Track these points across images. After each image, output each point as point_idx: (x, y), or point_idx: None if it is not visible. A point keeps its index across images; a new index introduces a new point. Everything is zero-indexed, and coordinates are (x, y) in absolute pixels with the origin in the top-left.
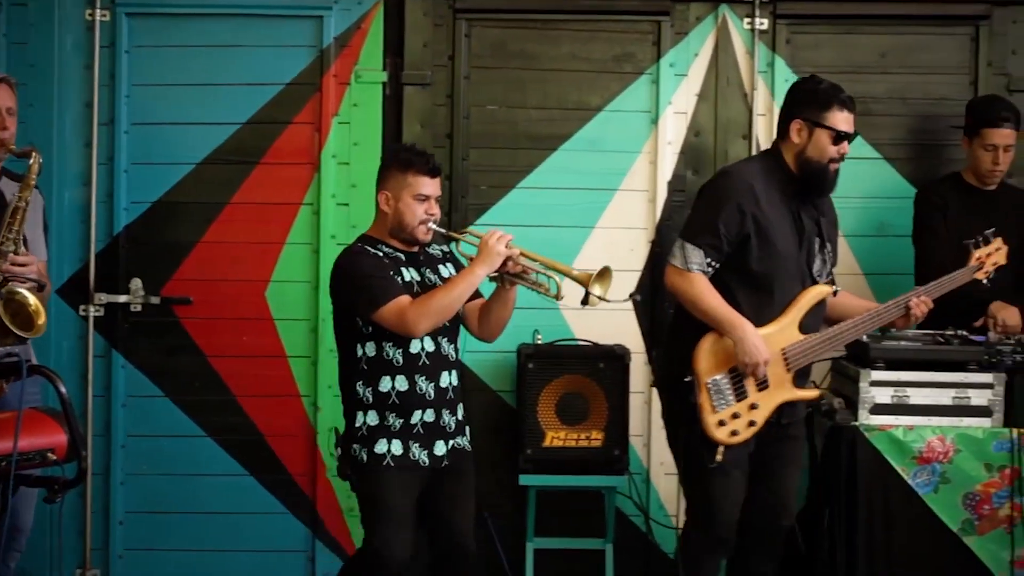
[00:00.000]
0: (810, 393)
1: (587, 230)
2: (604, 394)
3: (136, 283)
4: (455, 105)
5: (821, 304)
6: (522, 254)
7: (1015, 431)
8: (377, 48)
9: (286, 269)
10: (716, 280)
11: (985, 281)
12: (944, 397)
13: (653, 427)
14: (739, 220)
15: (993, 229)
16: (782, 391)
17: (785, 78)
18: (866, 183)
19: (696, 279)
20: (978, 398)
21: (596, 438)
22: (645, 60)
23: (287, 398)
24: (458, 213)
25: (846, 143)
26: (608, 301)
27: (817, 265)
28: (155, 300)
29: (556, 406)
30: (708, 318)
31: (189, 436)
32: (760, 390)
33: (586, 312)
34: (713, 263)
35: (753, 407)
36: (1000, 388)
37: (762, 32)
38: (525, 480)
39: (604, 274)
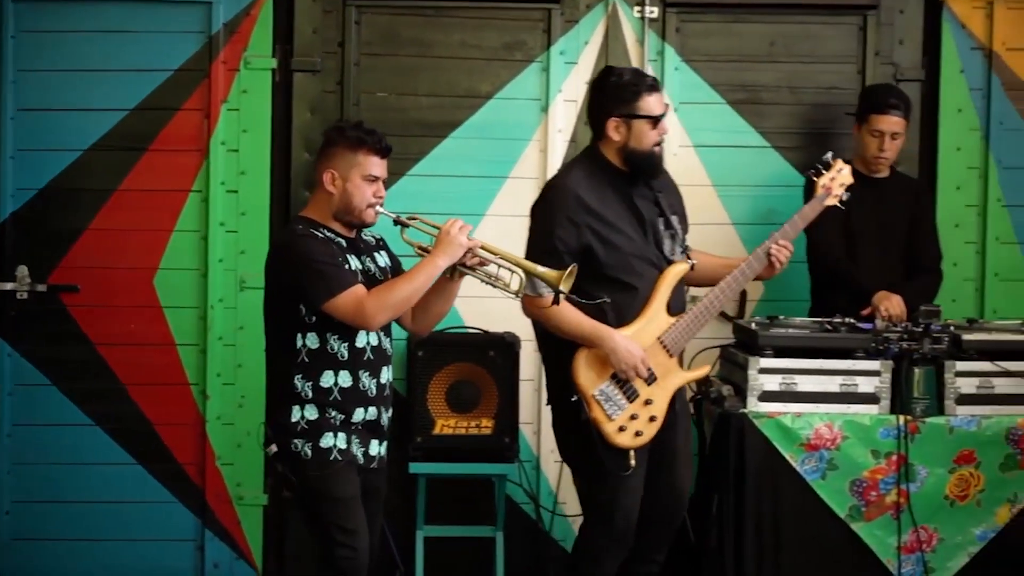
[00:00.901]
0: (700, 372)
1: (478, 217)
2: (494, 382)
3: (22, 270)
4: (345, 92)
5: (680, 281)
6: (483, 246)
7: (902, 418)
8: (266, 34)
9: (175, 256)
10: (580, 295)
11: (839, 205)
12: (832, 384)
13: (543, 414)
14: (575, 232)
15: (831, 153)
16: (672, 378)
17: (675, 67)
18: (754, 171)
19: (546, 302)
20: (865, 385)
21: (486, 426)
22: (535, 48)
23: (176, 386)
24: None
25: (663, 123)
26: (579, 300)
27: (668, 245)
28: (42, 288)
29: (446, 394)
30: (573, 337)
31: (77, 425)
32: (650, 384)
33: (476, 300)
34: None
35: (648, 403)
36: (887, 375)
37: (652, 20)
38: (415, 468)
39: (571, 272)
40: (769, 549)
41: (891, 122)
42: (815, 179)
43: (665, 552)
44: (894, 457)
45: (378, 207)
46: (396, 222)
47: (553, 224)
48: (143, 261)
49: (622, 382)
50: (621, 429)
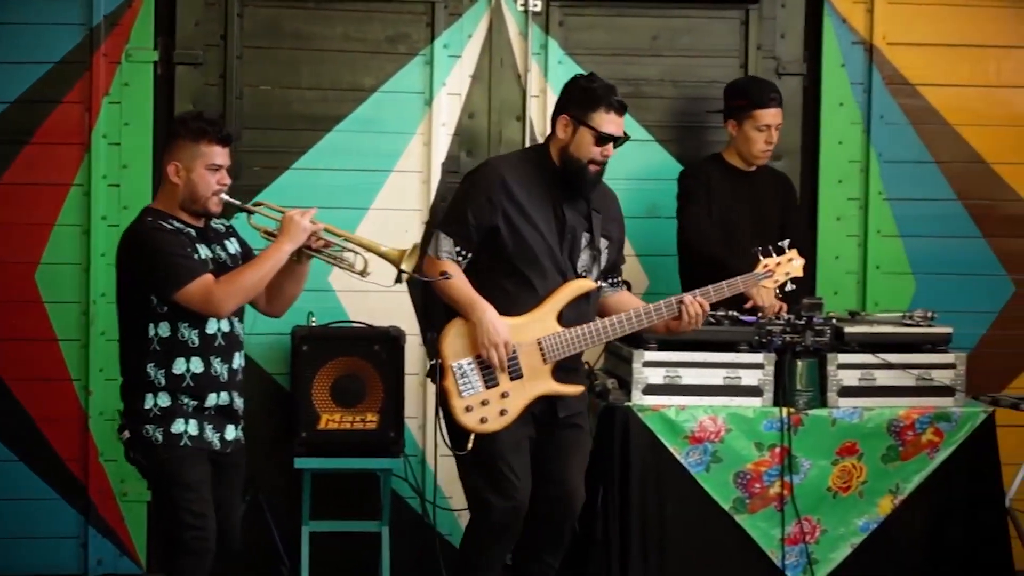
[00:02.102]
0: (571, 389)
1: (362, 211)
2: (379, 376)
3: None
4: (228, 85)
5: (584, 298)
6: (326, 229)
7: (785, 410)
8: (148, 27)
9: (56, 251)
10: (477, 272)
11: (778, 291)
12: (715, 377)
13: (429, 409)
14: (488, 211)
15: (788, 240)
16: (538, 383)
17: (558, 60)
18: (637, 164)
19: (444, 266)
20: (749, 378)
21: (371, 420)
22: (419, 41)
23: (58, 382)
24: (232, 196)
25: (610, 146)
26: (421, 279)
27: (583, 260)
28: None
29: (331, 388)
30: (453, 302)
31: None
32: (513, 379)
33: (361, 294)
34: (463, 252)
35: (505, 396)
36: (770, 368)
37: (535, 14)
38: (300, 463)
39: (413, 251)
40: (654, 542)
41: (775, 114)
42: (760, 256)
43: (559, 554)
44: (777, 449)
45: (223, 195)
46: (240, 209)
47: (473, 196)
48: (24, 255)
49: (485, 366)
50: (468, 409)
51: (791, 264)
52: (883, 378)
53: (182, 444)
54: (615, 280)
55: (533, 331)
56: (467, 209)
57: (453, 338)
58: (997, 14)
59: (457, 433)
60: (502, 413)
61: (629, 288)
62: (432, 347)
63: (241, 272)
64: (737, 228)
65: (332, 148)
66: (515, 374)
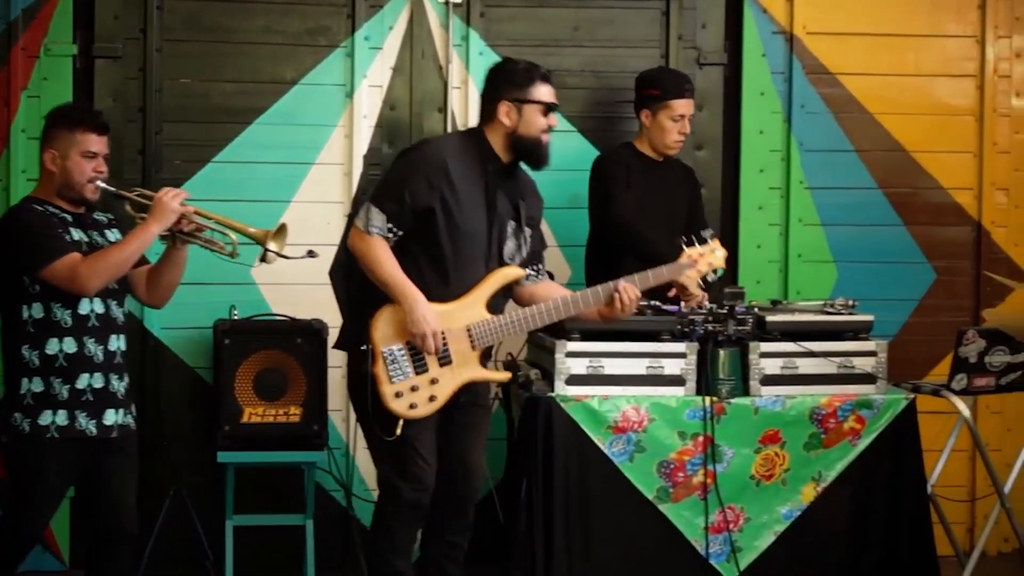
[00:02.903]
0: (498, 375)
1: (284, 204)
2: (302, 369)
3: None
4: (147, 79)
5: (511, 286)
6: (196, 212)
7: (708, 399)
8: (66, 21)
9: None
10: (404, 252)
11: (700, 283)
12: (638, 367)
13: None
14: (425, 192)
15: (711, 231)
16: (467, 369)
17: (480, 51)
18: (559, 155)
19: (375, 242)
20: (671, 367)
21: (295, 413)
22: (340, 33)
23: None
24: (152, 189)
25: (553, 114)
26: (287, 258)
27: (510, 248)
28: None
29: (254, 382)
30: (383, 285)
31: None
32: (442, 365)
33: (283, 287)
34: (395, 229)
35: (434, 382)
36: (693, 357)
37: (456, 6)
38: (223, 457)
39: (281, 231)
40: (577, 532)
41: (689, 104)
42: (683, 247)
43: (467, 535)
44: (700, 438)
45: (99, 182)
46: (116, 195)
47: (411, 174)
48: None
49: (415, 352)
50: (398, 395)
51: (714, 255)
52: (805, 366)
53: (48, 436)
54: (538, 269)
55: (462, 318)
56: (405, 187)
57: (384, 323)
58: (916, 3)
59: (386, 419)
60: (431, 399)
61: (552, 279)
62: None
63: (107, 251)
64: (651, 217)
65: (253, 141)
66: (444, 360)
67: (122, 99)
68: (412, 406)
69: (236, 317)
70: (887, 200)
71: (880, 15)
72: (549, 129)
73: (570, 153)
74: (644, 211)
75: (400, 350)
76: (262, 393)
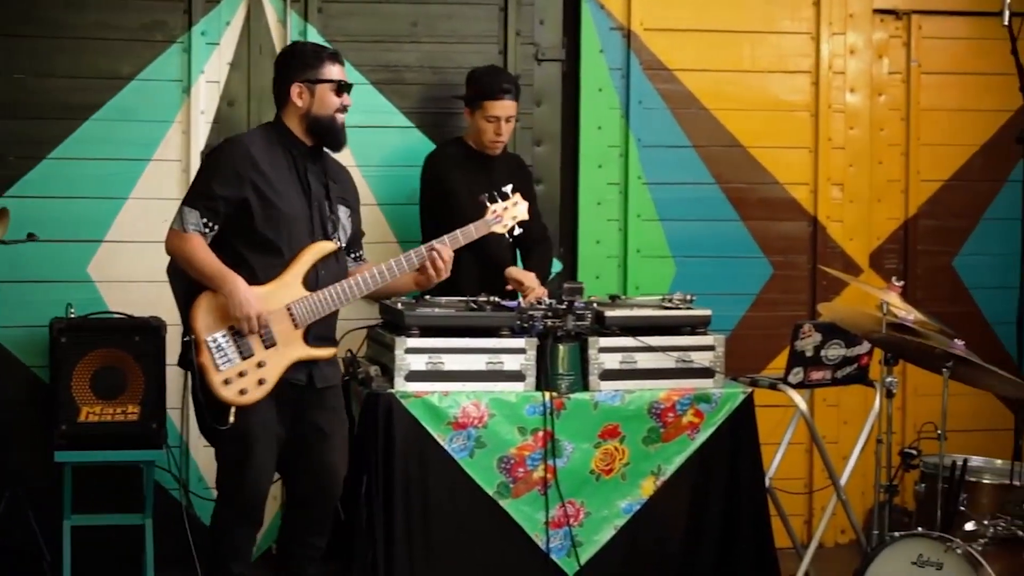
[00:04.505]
0: (324, 352)
1: (120, 201)
2: (140, 367)
3: None
4: None
5: (329, 259)
6: None
7: (547, 394)
8: None
9: None
10: (227, 247)
11: (508, 236)
12: (478, 363)
13: (191, 399)
14: (236, 183)
15: (511, 186)
16: (293, 349)
17: None
18: (398, 151)
19: (190, 238)
20: (511, 363)
21: (133, 412)
22: (176, 28)
23: None
24: None
25: (347, 94)
26: (4, 243)
27: (330, 227)
28: None
29: (91, 380)
30: (202, 275)
31: None
32: (267, 348)
33: (120, 285)
34: (211, 224)
35: (261, 365)
36: (532, 353)
37: (294, 1)
38: (60, 456)
39: (3, 214)
40: (418, 528)
41: (505, 107)
42: (488, 204)
43: (325, 536)
44: (540, 433)
45: None
46: None
47: (218, 169)
48: None
49: (239, 337)
50: (226, 382)
51: (516, 208)
52: (644, 361)
53: None
54: (357, 255)
55: (281, 298)
56: (213, 182)
57: (204, 313)
58: (752, 0)
59: (218, 408)
60: (260, 382)
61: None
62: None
63: None
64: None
65: (88, 137)
66: (269, 342)
67: None
68: (242, 392)
69: (73, 315)
70: (724, 195)
71: (717, 12)
72: (344, 109)
73: (409, 149)
74: (471, 205)
75: (224, 336)
76: (100, 392)
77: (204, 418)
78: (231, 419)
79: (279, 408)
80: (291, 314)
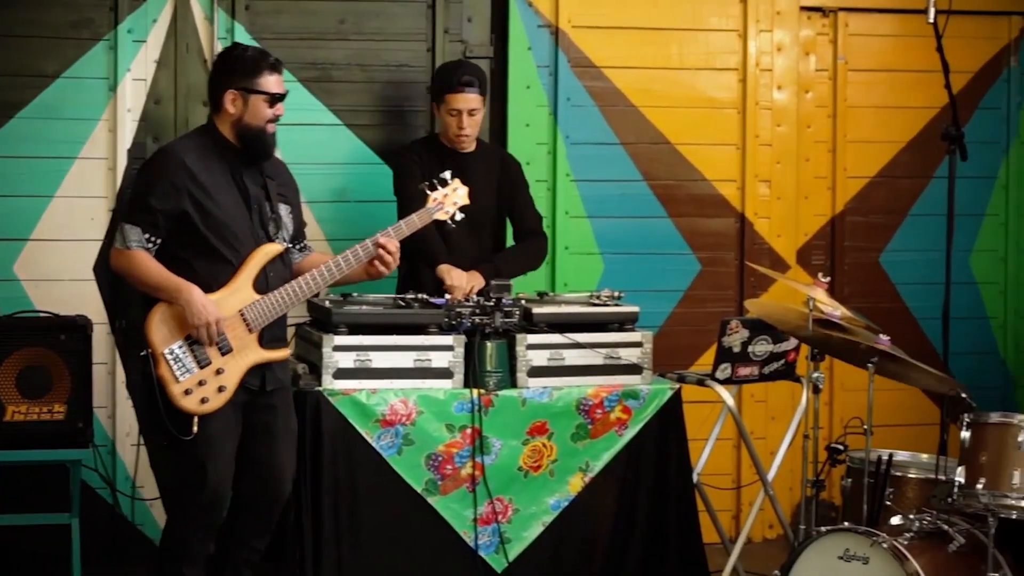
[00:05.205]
0: (279, 353)
1: (46, 199)
2: (66, 366)
3: None
4: None
5: (277, 262)
6: None
7: (475, 392)
8: None
9: None
10: (174, 258)
11: (450, 222)
12: (406, 360)
13: (118, 398)
14: (173, 195)
15: (449, 172)
16: (249, 353)
17: None
18: (327, 149)
19: (136, 255)
20: (439, 360)
21: (59, 411)
22: (103, 26)
23: None
24: None
25: (280, 104)
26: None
27: (272, 228)
28: None
29: (16, 379)
30: (154, 289)
31: None
32: (224, 354)
33: (47, 283)
34: (153, 239)
35: (219, 372)
36: (460, 350)
37: None
38: None
39: None
40: (347, 525)
41: (466, 99)
42: (428, 192)
43: (266, 539)
44: (468, 430)
45: None
46: None
47: (155, 182)
48: None
49: (195, 346)
50: (187, 392)
51: (456, 193)
52: (572, 357)
53: None
54: (302, 245)
55: (233, 303)
56: (150, 197)
57: (159, 325)
58: None
59: (179, 418)
60: (220, 389)
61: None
62: (124, 336)
63: None
64: None
65: (14, 135)
66: (225, 349)
67: None
68: (204, 400)
69: None
70: (652, 192)
71: (644, 9)
72: (276, 119)
73: (337, 147)
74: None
75: (180, 347)
76: (25, 391)
77: (164, 429)
78: (195, 429)
79: (235, 412)
80: (244, 319)
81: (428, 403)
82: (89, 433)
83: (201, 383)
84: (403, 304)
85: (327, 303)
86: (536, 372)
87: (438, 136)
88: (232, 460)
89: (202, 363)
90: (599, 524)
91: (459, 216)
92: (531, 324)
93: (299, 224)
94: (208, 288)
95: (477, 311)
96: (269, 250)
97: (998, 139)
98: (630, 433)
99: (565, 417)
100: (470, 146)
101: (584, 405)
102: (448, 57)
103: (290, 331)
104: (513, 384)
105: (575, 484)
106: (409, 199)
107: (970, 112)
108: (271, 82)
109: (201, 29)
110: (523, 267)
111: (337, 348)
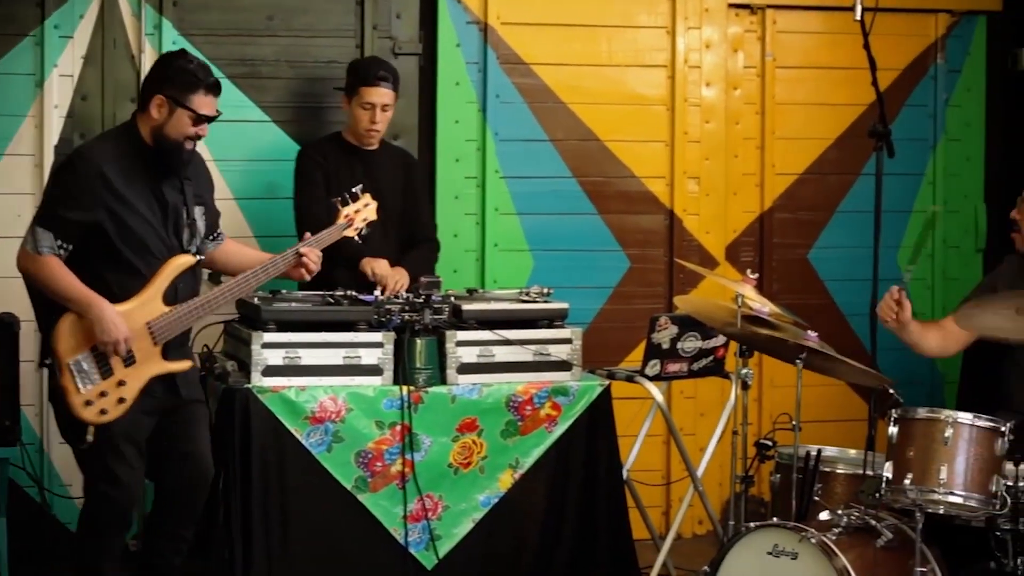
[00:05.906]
0: (179, 365)
1: None
2: None
3: None
4: None
5: (187, 274)
6: None
7: (405, 388)
8: None
9: None
10: (84, 265)
11: (356, 238)
12: (335, 357)
13: (46, 395)
14: (88, 207)
15: (360, 186)
16: (151, 365)
17: (173, 40)
18: (254, 145)
19: (47, 262)
20: (368, 357)
21: None
22: (29, 22)
23: None
24: None
25: (205, 126)
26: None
27: (187, 236)
28: None
29: None
30: (63, 299)
31: None
32: (127, 366)
33: None
34: (65, 245)
35: (121, 384)
36: (390, 347)
37: None
38: None
39: None
40: (276, 523)
41: (381, 94)
42: (340, 207)
43: (192, 529)
44: (398, 427)
45: None
46: None
47: (70, 189)
48: None
49: (100, 357)
50: (87, 403)
51: (367, 208)
52: (501, 354)
53: None
54: (216, 235)
55: (141, 316)
56: (64, 204)
57: (66, 335)
58: None
59: (76, 427)
60: (120, 401)
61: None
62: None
63: None
64: None
65: None
66: (129, 361)
67: None
68: (103, 412)
69: None
70: (581, 189)
71: (573, 6)
72: (197, 138)
73: (265, 143)
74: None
75: (86, 358)
76: None
77: (64, 435)
78: (89, 438)
79: (144, 413)
80: (151, 331)
81: (358, 400)
82: (17, 431)
83: (102, 394)
84: (332, 301)
85: (256, 300)
86: (466, 369)
87: (341, 134)
88: (142, 460)
89: (105, 374)
90: (529, 520)
91: (366, 231)
92: (461, 321)
93: (213, 219)
94: (117, 298)
95: (406, 308)
96: (181, 262)
97: (925, 136)
98: (560, 430)
99: (495, 414)
100: (376, 143)
101: (514, 402)
102: (377, 54)
103: (217, 329)
104: (443, 381)
105: (505, 481)
106: (307, 207)
107: (897, 109)
108: (203, 102)
109: (128, 25)
110: (426, 273)
111: (266, 345)
